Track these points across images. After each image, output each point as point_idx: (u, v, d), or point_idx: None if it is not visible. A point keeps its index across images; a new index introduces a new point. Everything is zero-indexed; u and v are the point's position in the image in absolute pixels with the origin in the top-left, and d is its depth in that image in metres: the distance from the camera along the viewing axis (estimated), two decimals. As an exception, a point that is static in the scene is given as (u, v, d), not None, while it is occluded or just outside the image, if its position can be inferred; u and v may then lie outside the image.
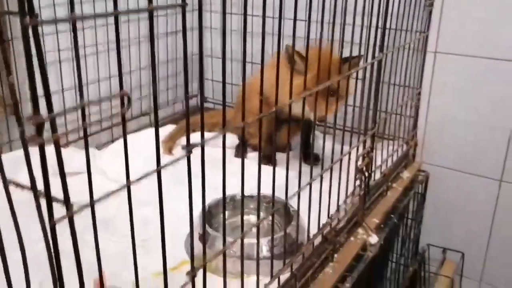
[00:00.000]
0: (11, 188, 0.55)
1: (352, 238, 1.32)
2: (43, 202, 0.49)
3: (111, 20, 0.71)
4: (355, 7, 1.07)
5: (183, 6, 0.55)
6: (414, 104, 1.76)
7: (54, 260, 0.51)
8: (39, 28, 0.43)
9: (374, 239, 1.33)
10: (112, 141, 1.84)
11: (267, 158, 1.53)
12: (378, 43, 1.22)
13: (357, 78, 1.27)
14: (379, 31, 1.21)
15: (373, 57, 1.22)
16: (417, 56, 1.68)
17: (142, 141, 1.26)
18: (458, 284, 1.90)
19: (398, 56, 1.52)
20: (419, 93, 1.76)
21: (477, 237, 1.84)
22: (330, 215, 1.17)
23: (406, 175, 1.72)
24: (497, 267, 1.84)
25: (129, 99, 0.54)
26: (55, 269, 0.51)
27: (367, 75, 1.24)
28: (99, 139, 1.84)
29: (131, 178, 0.56)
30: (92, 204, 0.53)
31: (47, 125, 0.45)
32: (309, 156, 1.58)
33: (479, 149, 1.76)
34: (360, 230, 1.36)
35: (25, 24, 0.41)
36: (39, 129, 0.45)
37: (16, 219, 0.57)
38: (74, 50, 0.48)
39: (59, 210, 0.49)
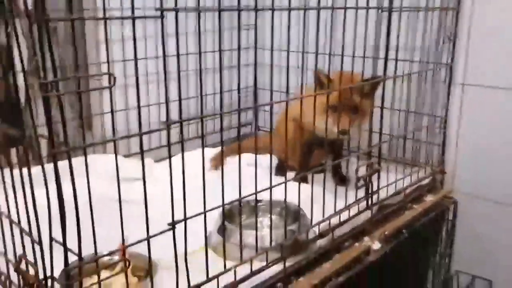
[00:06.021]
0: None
1: (356, 244, 1.45)
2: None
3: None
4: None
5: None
6: (442, 131, 1.85)
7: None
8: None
9: (376, 245, 1.44)
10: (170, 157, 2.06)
11: (302, 179, 1.69)
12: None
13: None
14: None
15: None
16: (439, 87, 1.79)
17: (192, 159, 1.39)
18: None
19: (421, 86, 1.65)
20: (445, 121, 1.85)
21: (506, 266, 1.85)
22: (324, 216, 1.32)
23: (429, 198, 1.80)
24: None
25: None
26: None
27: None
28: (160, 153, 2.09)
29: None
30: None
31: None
32: (339, 178, 1.75)
33: (510, 179, 1.80)
34: (366, 238, 1.48)
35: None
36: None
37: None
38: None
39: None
